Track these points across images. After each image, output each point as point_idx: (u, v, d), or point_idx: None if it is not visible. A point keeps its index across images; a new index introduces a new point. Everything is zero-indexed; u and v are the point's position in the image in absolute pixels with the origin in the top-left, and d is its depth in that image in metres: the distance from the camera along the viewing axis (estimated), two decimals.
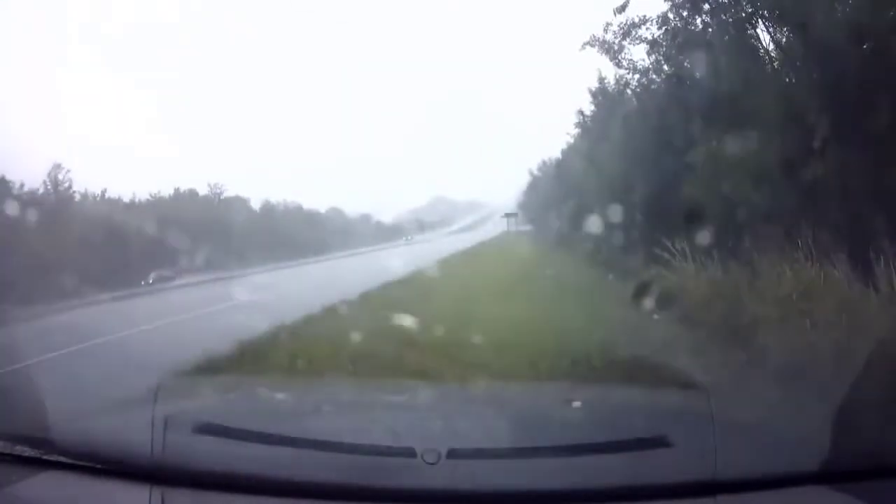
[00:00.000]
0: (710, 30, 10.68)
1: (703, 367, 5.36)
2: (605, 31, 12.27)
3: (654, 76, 13.14)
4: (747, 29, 10.02)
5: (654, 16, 11.48)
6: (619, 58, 12.72)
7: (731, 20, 10.24)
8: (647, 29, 11.78)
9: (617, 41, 12.28)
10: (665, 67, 12.47)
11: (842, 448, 1.82)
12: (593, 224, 18.10)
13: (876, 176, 7.25)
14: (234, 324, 9.06)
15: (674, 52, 11.69)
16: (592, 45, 12.58)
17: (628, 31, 11.97)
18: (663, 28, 11.39)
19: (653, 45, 11.87)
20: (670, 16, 11.20)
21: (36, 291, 20.61)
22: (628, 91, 14.96)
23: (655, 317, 8.49)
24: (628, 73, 13.57)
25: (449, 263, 24.38)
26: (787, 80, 9.61)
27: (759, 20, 9.82)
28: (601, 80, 18.17)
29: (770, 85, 9.49)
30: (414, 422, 2.68)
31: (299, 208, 54.03)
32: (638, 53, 12.60)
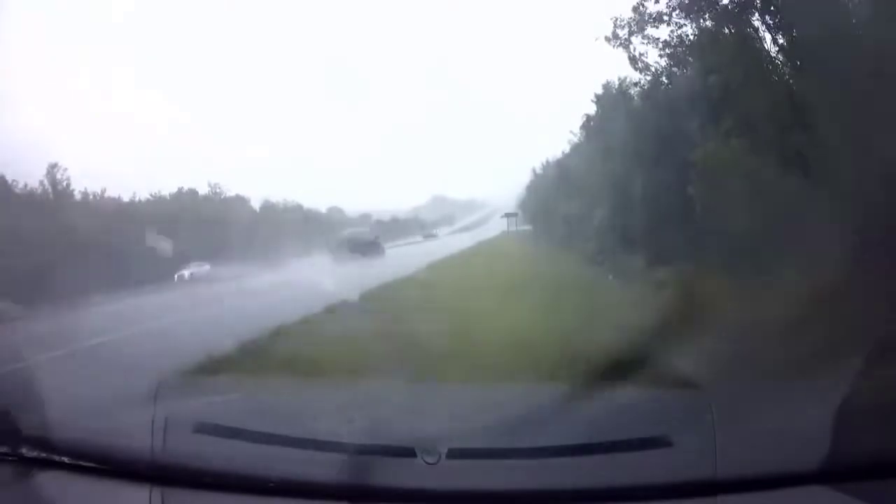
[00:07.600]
0: (709, 27, 10.72)
1: (701, 367, 5.35)
2: (615, 24, 12.31)
3: (663, 78, 13.13)
4: (748, 28, 10.03)
5: (656, 12, 11.52)
6: (636, 56, 12.69)
7: (732, 17, 10.26)
8: (653, 27, 11.82)
9: (625, 35, 12.30)
10: (675, 69, 12.48)
11: (842, 448, 1.81)
12: (594, 225, 18.09)
13: (881, 173, 7.24)
14: None
15: (679, 51, 11.71)
16: (608, 41, 12.58)
17: (638, 27, 11.99)
18: (668, 26, 11.44)
19: (663, 45, 11.91)
20: (673, 15, 11.25)
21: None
22: (632, 92, 14.92)
23: (655, 316, 8.46)
24: (640, 73, 13.55)
25: (451, 261, 24.59)
26: (788, 80, 9.62)
27: (760, 21, 9.85)
28: (605, 84, 18.18)
29: (770, 85, 9.50)
30: (414, 422, 2.68)
31: (299, 207, 53.88)
32: (651, 56, 12.63)
